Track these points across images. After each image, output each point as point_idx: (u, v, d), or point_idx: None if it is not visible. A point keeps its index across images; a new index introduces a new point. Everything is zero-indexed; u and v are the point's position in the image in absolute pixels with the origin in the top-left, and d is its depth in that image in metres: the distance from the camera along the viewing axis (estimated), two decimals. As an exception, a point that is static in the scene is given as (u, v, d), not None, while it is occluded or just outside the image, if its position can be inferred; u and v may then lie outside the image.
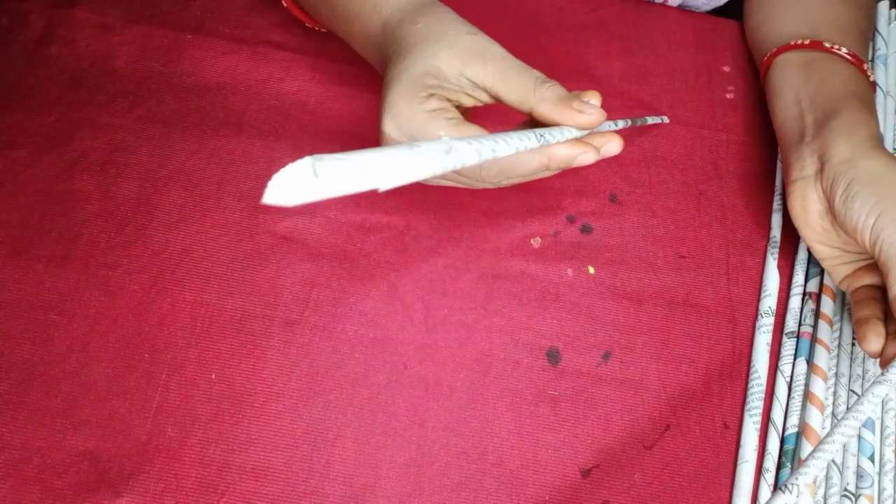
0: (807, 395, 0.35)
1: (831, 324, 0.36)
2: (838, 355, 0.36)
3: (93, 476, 0.30)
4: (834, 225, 0.34)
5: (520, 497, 0.32)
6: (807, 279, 0.38)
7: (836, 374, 0.36)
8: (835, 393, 0.35)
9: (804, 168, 0.35)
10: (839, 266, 0.35)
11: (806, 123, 0.36)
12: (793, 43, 0.39)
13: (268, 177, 0.39)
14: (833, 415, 0.35)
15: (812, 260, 0.39)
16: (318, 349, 0.33)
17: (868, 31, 0.42)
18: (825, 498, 0.33)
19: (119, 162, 0.37)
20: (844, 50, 0.37)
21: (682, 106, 0.43)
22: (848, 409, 0.34)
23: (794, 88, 0.38)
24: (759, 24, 0.43)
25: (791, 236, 0.40)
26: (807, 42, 0.38)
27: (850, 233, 0.32)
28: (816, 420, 0.33)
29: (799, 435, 0.34)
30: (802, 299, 0.38)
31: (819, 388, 0.34)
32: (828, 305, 0.37)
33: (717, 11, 0.48)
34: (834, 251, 0.35)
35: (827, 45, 0.37)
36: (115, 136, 0.37)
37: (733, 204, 0.40)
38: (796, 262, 0.39)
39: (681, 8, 0.47)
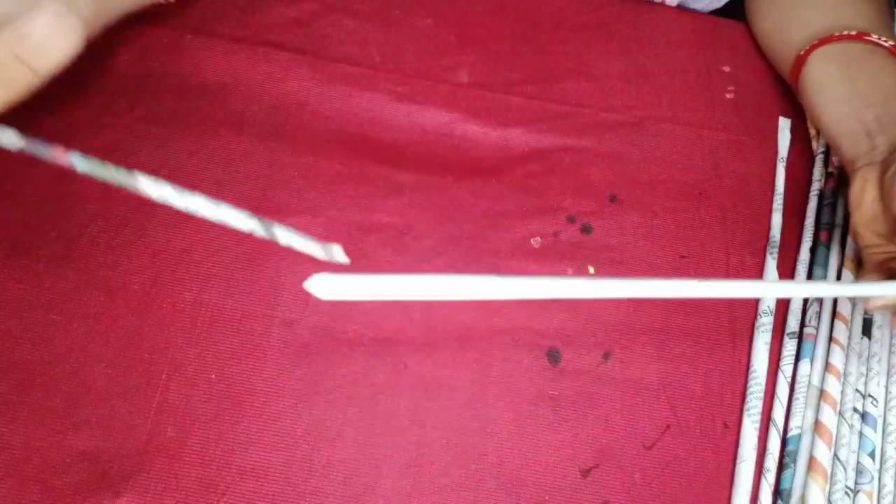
0: (811, 395, 0.35)
1: (847, 322, 0.36)
2: (847, 355, 0.36)
3: (93, 476, 0.30)
4: (884, 213, 0.34)
5: (520, 497, 0.32)
6: (808, 279, 0.38)
7: (844, 374, 0.36)
8: (842, 392, 0.35)
9: (874, 154, 0.34)
10: (876, 255, 0.35)
11: (866, 119, 0.36)
12: (836, 34, 0.39)
13: (268, 177, 0.39)
14: (840, 413, 0.34)
15: (816, 261, 0.39)
16: (318, 349, 0.33)
17: (892, 28, 0.42)
18: (829, 494, 0.32)
19: (119, 162, 0.36)
20: (890, 42, 0.38)
21: (682, 106, 0.43)
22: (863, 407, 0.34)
23: (840, 84, 0.38)
24: (777, 25, 0.43)
25: (791, 236, 0.40)
26: (853, 33, 0.38)
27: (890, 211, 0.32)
28: (829, 418, 0.33)
29: (800, 437, 0.34)
30: (804, 300, 0.38)
31: (833, 385, 0.34)
32: (841, 306, 0.37)
33: (717, 11, 0.48)
34: (878, 240, 0.35)
35: (874, 36, 0.38)
36: (115, 136, 0.37)
37: (733, 204, 0.40)
38: (798, 263, 0.39)
39: (680, 8, 0.47)
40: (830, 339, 0.36)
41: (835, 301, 0.37)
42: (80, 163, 0.22)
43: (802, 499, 0.32)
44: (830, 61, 0.39)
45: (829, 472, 0.32)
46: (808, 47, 0.40)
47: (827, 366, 0.35)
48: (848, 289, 0.31)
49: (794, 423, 0.34)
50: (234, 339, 0.33)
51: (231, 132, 0.38)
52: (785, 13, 0.43)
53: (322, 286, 0.22)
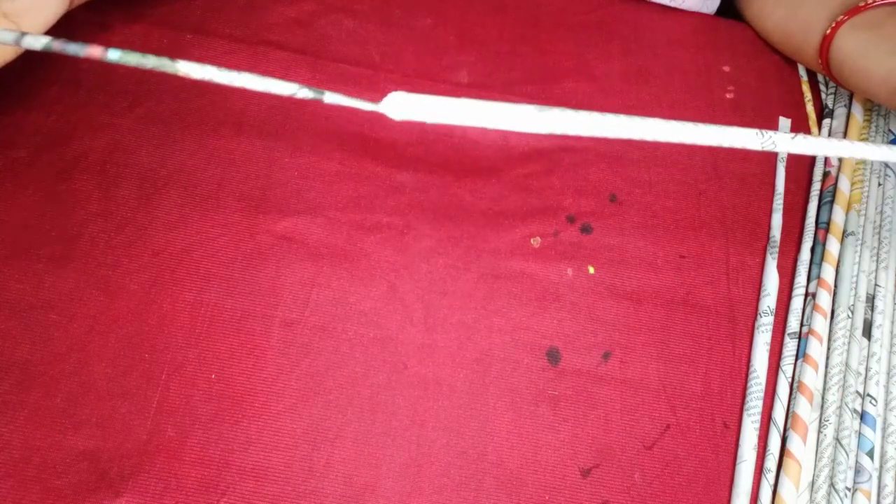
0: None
1: (825, 315, 0.37)
2: (848, 350, 0.36)
3: (93, 476, 0.30)
4: None
5: (520, 497, 0.32)
6: (809, 279, 0.38)
7: (827, 366, 0.36)
8: (825, 387, 0.35)
9: None
10: None
11: None
12: (863, 5, 0.39)
13: (268, 177, 0.40)
14: (823, 407, 0.35)
15: (815, 261, 0.39)
16: (318, 349, 0.33)
17: None
18: (828, 493, 0.33)
19: (119, 162, 0.37)
20: None
21: (682, 106, 0.43)
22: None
23: (881, 42, 0.38)
24: (791, 13, 0.43)
25: (791, 236, 0.40)
26: (877, 0, 0.39)
27: None
28: (805, 410, 0.34)
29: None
30: (805, 300, 0.38)
31: (809, 377, 0.35)
32: (824, 300, 0.37)
33: (717, 11, 0.48)
34: None
35: None
36: (115, 136, 0.37)
37: (733, 204, 0.40)
38: (798, 263, 0.39)
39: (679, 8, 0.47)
40: (830, 338, 0.36)
41: (832, 299, 0.37)
42: (116, 55, 0.22)
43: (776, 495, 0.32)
44: (861, 30, 0.39)
45: (802, 466, 0.33)
46: (833, 24, 0.40)
47: (804, 356, 0.35)
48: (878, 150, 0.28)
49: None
50: (234, 339, 0.33)
51: (231, 132, 0.38)
52: (794, 2, 0.43)
53: (396, 105, 0.23)
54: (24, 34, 0.23)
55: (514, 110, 0.24)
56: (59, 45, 0.23)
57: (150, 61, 0.23)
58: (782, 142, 0.25)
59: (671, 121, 0.24)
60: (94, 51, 0.22)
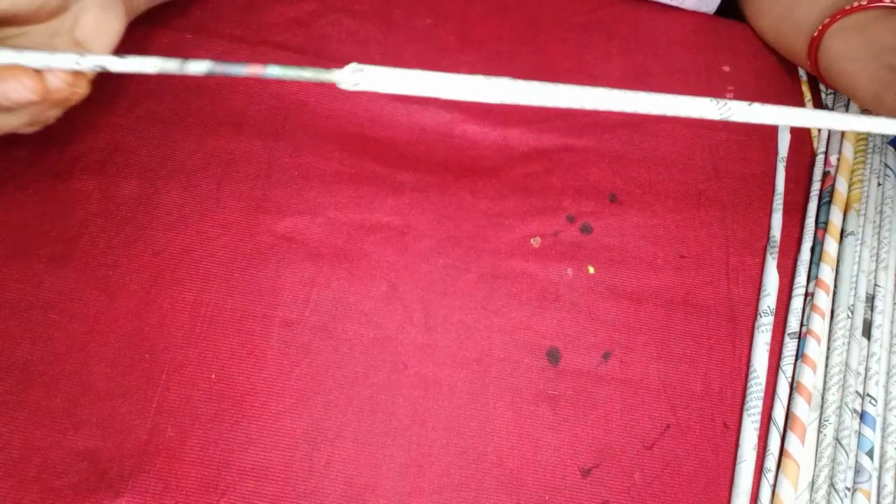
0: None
1: (823, 315, 0.37)
2: (848, 350, 0.36)
3: (93, 476, 0.30)
4: None
5: (520, 497, 0.32)
6: (809, 279, 0.38)
7: (827, 367, 0.36)
8: (825, 387, 0.35)
9: None
10: None
11: None
12: (848, 7, 0.39)
13: (268, 177, 0.40)
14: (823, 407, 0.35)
15: (814, 260, 0.39)
16: (318, 349, 0.33)
17: None
18: (828, 493, 0.33)
19: (119, 162, 0.37)
20: None
21: (682, 106, 0.43)
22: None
23: (866, 45, 0.38)
24: (784, 13, 0.43)
25: (791, 236, 0.40)
26: (864, 3, 0.38)
27: None
28: (803, 410, 0.34)
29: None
30: (805, 300, 0.38)
31: (807, 377, 0.35)
32: (822, 300, 0.37)
33: (717, 11, 0.48)
34: None
35: (886, 1, 0.38)
36: (115, 136, 0.37)
37: (733, 204, 0.40)
38: (798, 263, 0.39)
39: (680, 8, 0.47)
40: (830, 338, 0.36)
41: (832, 299, 0.37)
42: (276, 72, 0.23)
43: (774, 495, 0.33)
44: (848, 32, 0.39)
45: (800, 466, 0.33)
46: (820, 27, 0.40)
47: (802, 356, 0.35)
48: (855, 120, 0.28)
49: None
50: (234, 339, 0.33)
51: (231, 132, 0.38)
52: (790, 1, 0.43)
53: (351, 77, 0.23)
54: (186, 60, 0.24)
55: (464, 81, 0.24)
56: (221, 69, 0.24)
57: (307, 73, 0.24)
58: (739, 110, 0.25)
59: (626, 91, 0.25)
60: (254, 69, 0.24)
